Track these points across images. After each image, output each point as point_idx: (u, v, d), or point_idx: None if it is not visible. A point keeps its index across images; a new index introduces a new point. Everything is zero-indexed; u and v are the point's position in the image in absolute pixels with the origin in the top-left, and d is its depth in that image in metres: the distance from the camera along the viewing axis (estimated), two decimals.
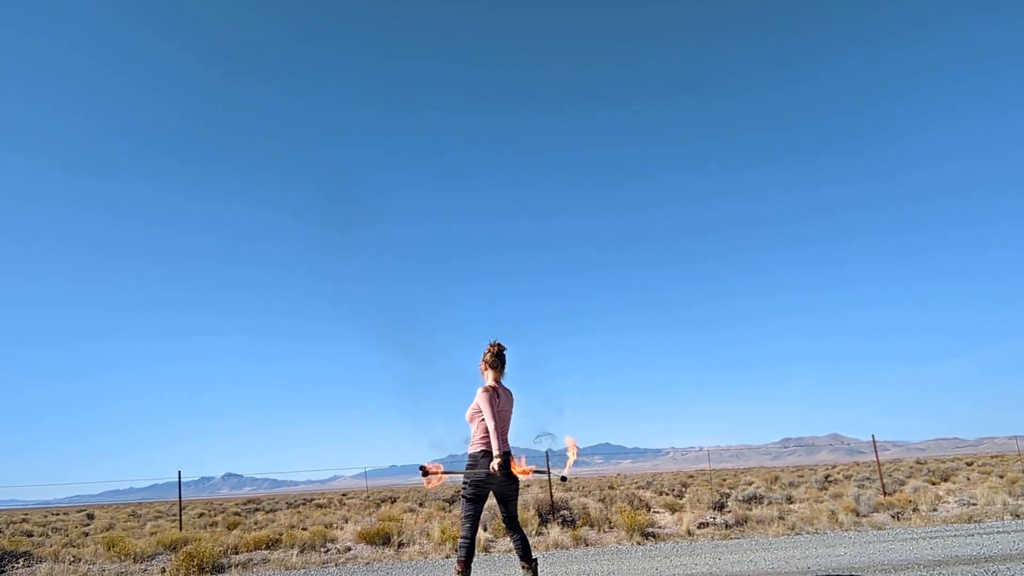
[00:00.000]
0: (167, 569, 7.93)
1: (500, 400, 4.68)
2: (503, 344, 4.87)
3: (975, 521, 9.52)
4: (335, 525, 12.79)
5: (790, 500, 14.85)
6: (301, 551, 8.95)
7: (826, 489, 17.79)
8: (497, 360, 4.82)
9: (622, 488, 22.70)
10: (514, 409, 4.86)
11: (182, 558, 7.78)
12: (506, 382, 4.84)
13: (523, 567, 4.62)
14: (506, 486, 4.66)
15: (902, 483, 17.72)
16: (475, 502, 4.63)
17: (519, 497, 4.80)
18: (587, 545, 8.64)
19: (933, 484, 17.43)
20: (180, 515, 14.06)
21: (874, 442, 15.74)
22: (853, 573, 5.47)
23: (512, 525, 4.74)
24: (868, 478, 21.40)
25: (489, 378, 4.79)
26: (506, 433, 4.71)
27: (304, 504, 26.46)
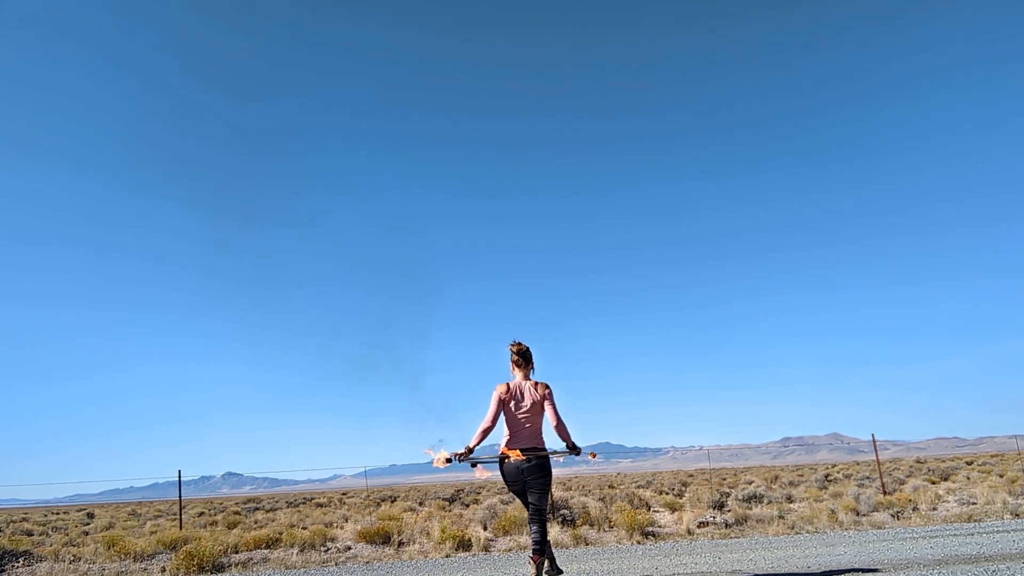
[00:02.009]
0: (167, 568, 7.93)
1: (515, 396, 4.91)
2: (523, 343, 5.07)
3: (975, 520, 9.52)
4: (335, 524, 12.79)
5: (790, 499, 14.85)
6: (301, 550, 8.95)
7: (826, 488, 17.79)
8: (520, 358, 5.02)
9: (622, 487, 22.72)
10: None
11: (182, 557, 7.78)
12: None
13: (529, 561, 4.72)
14: (530, 480, 4.81)
15: (902, 482, 17.73)
16: (518, 496, 4.96)
17: (545, 490, 4.87)
18: (587, 544, 8.64)
19: (933, 483, 17.43)
20: (180, 514, 14.07)
21: (874, 441, 15.75)
22: (853, 572, 5.47)
23: (531, 518, 4.85)
24: (868, 477, 21.40)
25: (518, 376, 5.01)
26: (533, 427, 4.89)
27: (304, 503, 26.47)
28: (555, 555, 4.98)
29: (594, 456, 5.33)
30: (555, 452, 4.98)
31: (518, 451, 4.80)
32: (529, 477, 4.79)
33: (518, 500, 5.10)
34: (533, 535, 4.75)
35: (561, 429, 4.88)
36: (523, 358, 5.00)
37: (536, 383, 4.94)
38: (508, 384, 4.96)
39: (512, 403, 4.90)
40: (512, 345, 5.05)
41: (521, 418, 4.87)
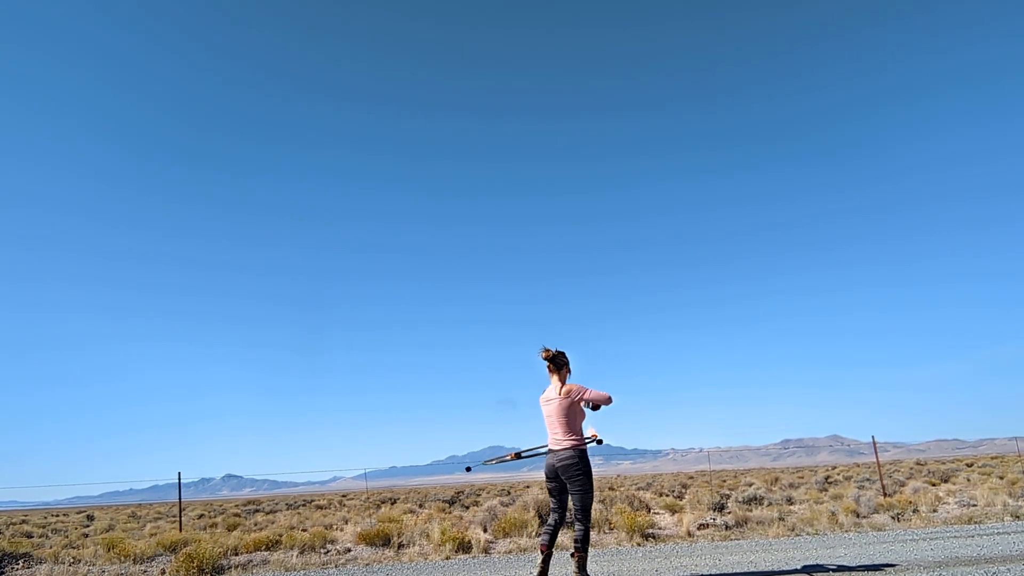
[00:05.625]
0: (167, 570, 7.92)
1: (545, 401, 5.22)
2: (551, 348, 5.23)
3: (975, 522, 9.51)
4: (335, 526, 12.77)
5: (790, 501, 14.83)
6: (301, 552, 8.94)
7: (826, 490, 17.77)
8: (552, 364, 5.20)
9: (622, 489, 22.67)
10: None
11: (182, 559, 7.77)
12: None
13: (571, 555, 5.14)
14: (568, 479, 5.03)
15: (902, 484, 17.70)
16: (548, 495, 5.26)
17: (584, 491, 5.04)
18: None
19: (933, 485, 17.41)
20: (180, 516, 14.05)
21: (874, 443, 15.74)
22: (854, 574, 5.46)
23: (575, 516, 5.12)
24: (868, 479, 21.38)
25: (553, 380, 5.23)
26: (557, 430, 5.11)
27: (304, 505, 26.43)
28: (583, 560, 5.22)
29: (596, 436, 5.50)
30: (588, 440, 5.23)
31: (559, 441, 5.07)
32: (565, 476, 5.01)
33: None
34: (576, 532, 5.07)
35: (606, 402, 5.07)
36: (553, 363, 5.17)
37: (562, 386, 5.12)
38: (546, 390, 5.26)
39: (543, 407, 5.23)
40: (542, 352, 5.22)
41: (547, 421, 5.16)
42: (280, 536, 9.80)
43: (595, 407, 5.11)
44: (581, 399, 5.05)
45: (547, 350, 5.20)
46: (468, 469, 5.28)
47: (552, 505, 5.20)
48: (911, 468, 29.98)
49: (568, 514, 5.54)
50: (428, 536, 9.32)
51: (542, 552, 5.01)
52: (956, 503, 12.20)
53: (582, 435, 5.12)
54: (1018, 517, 9.73)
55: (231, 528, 14.72)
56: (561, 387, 5.08)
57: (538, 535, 9.48)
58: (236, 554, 9.15)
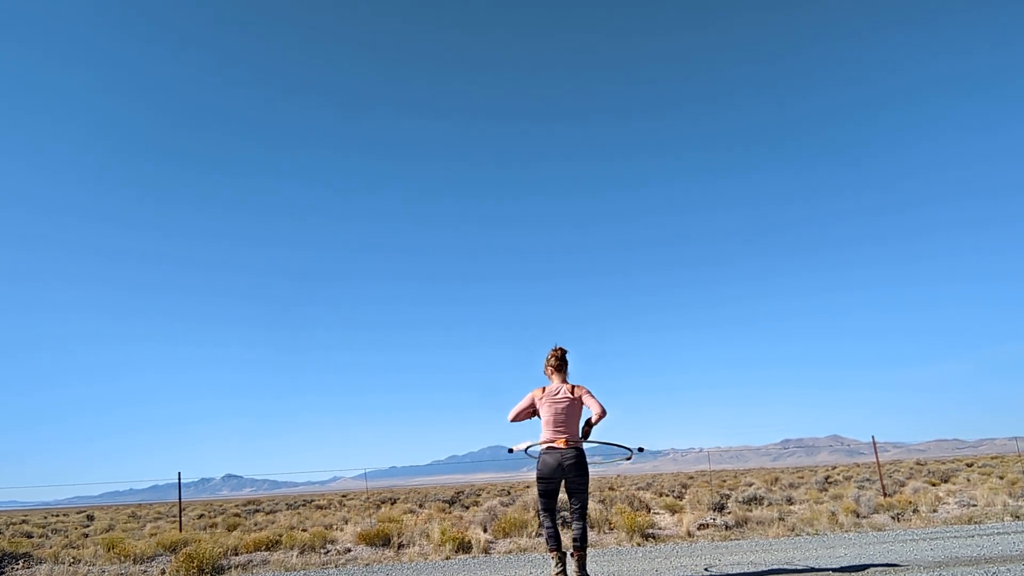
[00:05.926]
0: (167, 570, 7.92)
1: (551, 398, 5.14)
2: (564, 348, 5.35)
3: (975, 522, 9.51)
4: (335, 526, 12.77)
5: (790, 501, 14.83)
6: (301, 552, 8.94)
7: (826, 490, 17.77)
8: (560, 363, 5.28)
9: (622, 489, 22.66)
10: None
11: (182, 559, 7.77)
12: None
13: (571, 555, 5.09)
14: (569, 479, 5.04)
15: (902, 484, 17.70)
16: (540, 496, 5.17)
17: (584, 490, 5.11)
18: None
19: (933, 485, 17.41)
20: (180, 516, 14.06)
21: (874, 443, 15.74)
22: (853, 574, 5.46)
23: (573, 515, 5.14)
24: (868, 479, 21.38)
25: (555, 380, 5.24)
26: (555, 425, 5.08)
27: (304, 505, 26.43)
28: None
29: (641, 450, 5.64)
30: (612, 444, 5.35)
31: (565, 440, 5.02)
32: (569, 475, 5.00)
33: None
34: (575, 531, 5.06)
35: (600, 417, 5.06)
36: (562, 363, 5.27)
37: (573, 386, 5.18)
38: (544, 388, 5.22)
39: (547, 404, 5.12)
40: (555, 350, 5.31)
41: (557, 419, 5.07)
42: (280, 536, 9.80)
43: (585, 433, 5.15)
44: (583, 401, 5.16)
45: (562, 348, 5.33)
46: (526, 450, 5.24)
47: (545, 504, 5.18)
48: (911, 468, 29.98)
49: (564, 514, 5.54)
50: (428, 536, 9.32)
51: (556, 555, 5.02)
52: (956, 503, 12.20)
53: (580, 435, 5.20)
54: (1018, 517, 9.73)
55: (231, 528, 14.72)
56: (572, 387, 5.16)
57: (538, 535, 9.47)
58: (236, 554, 9.15)
